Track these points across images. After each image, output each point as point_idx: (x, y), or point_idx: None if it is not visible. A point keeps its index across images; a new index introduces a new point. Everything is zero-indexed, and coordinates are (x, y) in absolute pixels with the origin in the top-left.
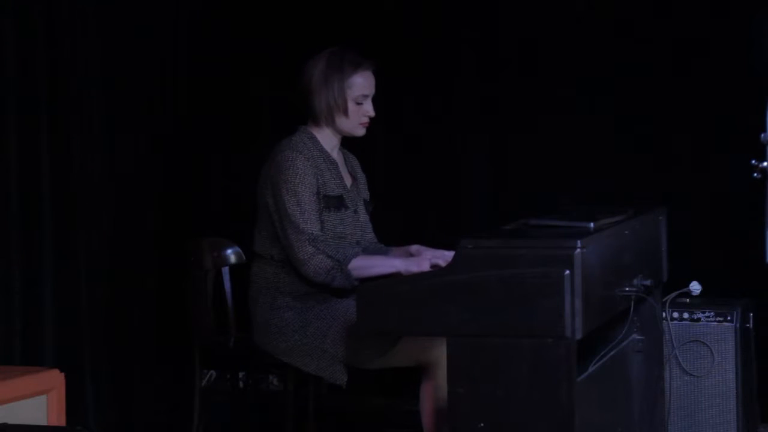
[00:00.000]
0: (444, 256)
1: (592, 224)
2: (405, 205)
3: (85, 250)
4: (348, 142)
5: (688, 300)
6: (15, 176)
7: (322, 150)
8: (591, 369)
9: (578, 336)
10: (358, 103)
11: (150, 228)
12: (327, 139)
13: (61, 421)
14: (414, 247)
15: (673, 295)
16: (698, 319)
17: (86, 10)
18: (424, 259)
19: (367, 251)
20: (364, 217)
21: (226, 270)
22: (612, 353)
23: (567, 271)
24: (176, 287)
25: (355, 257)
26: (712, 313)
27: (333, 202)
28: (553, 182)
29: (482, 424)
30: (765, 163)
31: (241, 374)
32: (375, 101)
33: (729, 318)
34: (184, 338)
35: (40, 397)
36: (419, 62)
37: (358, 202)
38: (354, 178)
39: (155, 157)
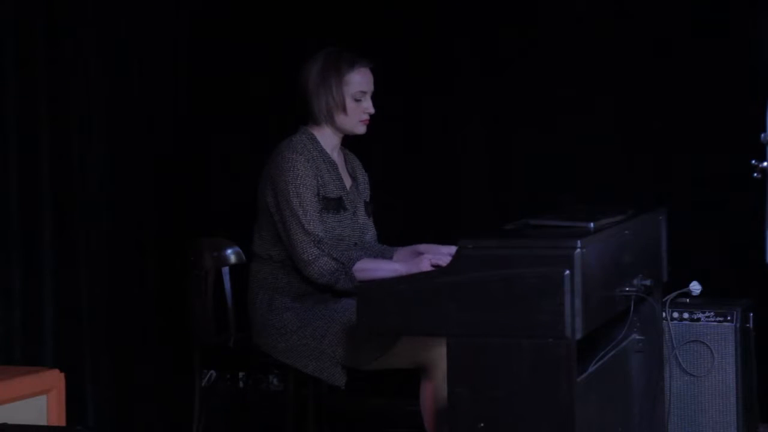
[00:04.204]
0: (451, 253)
1: (592, 224)
2: (405, 205)
3: (85, 250)
4: (348, 142)
5: (688, 300)
6: (15, 176)
7: (322, 151)
8: (591, 369)
9: (578, 336)
10: (357, 100)
11: (150, 228)
12: (328, 139)
13: (61, 421)
14: (422, 246)
15: (673, 295)
16: (698, 319)
17: (86, 10)
18: (425, 259)
19: (373, 252)
20: (363, 218)
21: (226, 270)
22: (612, 353)
23: (567, 271)
24: (176, 287)
25: (359, 260)
26: (712, 313)
27: (332, 204)
28: (553, 182)
29: (482, 424)
30: (765, 163)
31: (241, 374)
32: (375, 100)
33: (729, 318)
34: (184, 338)
35: (40, 397)
36: (419, 61)
37: (358, 203)
38: (354, 179)
39: (155, 157)
